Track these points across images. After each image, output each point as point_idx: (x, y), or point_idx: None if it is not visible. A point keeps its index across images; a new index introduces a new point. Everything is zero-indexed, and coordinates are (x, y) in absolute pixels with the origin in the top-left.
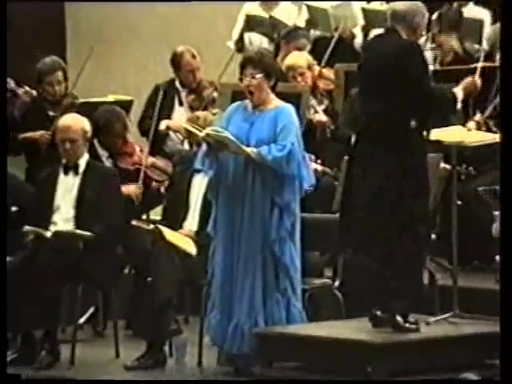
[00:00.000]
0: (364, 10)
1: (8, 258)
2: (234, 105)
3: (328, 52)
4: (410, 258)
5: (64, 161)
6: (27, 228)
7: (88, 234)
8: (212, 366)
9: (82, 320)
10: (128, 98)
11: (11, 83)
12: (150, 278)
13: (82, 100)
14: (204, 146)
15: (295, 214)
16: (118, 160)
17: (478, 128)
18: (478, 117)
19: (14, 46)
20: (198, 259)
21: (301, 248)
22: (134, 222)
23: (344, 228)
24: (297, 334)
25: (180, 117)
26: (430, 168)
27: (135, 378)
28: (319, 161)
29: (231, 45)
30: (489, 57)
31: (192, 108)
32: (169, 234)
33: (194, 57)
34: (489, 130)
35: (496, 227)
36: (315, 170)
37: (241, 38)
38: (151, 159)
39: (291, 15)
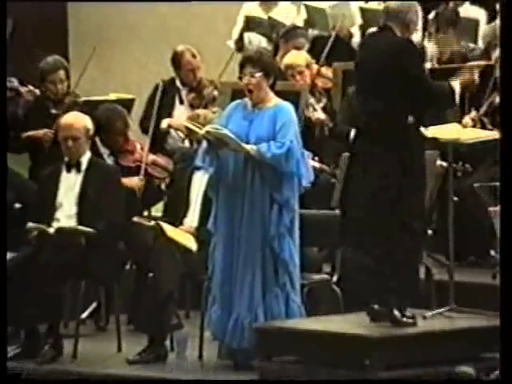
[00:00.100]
0: (362, 10)
1: (12, 255)
2: (234, 103)
3: (326, 51)
4: (407, 253)
5: (66, 158)
6: (30, 225)
7: (90, 230)
8: (212, 360)
9: (84, 315)
10: (129, 96)
11: (15, 82)
12: (151, 274)
13: (84, 98)
14: (204, 144)
15: (294, 210)
16: (120, 157)
17: (473, 125)
18: (473, 114)
19: (17, 45)
20: (198, 255)
21: (299, 244)
22: (135, 219)
23: (343, 225)
24: (296, 328)
25: (181, 115)
26: (427, 165)
27: (137, 372)
28: (317, 158)
29: (231, 44)
30: (484, 55)
31: (192, 106)
32: (170, 230)
33: (194, 56)
34: (484, 127)
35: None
36: (314, 168)
37: (240, 38)
38: (152, 156)
39: (290, 15)
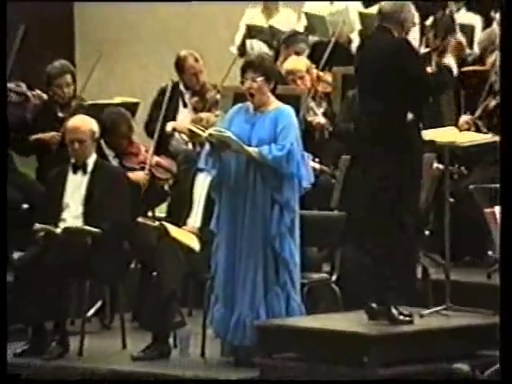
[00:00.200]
0: (361, 15)
1: (19, 254)
2: (236, 107)
3: (325, 56)
4: (405, 253)
5: (73, 160)
6: (38, 226)
7: (96, 230)
8: (214, 357)
9: (90, 313)
10: (134, 100)
11: (23, 87)
12: (155, 273)
13: (89, 102)
14: (207, 146)
15: (295, 211)
16: (124, 159)
17: (468, 128)
18: (468, 117)
19: (24, 48)
20: (201, 254)
21: (300, 244)
22: (140, 219)
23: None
24: (296, 326)
25: (184, 118)
26: (424, 167)
27: (141, 369)
28: (318, 160)
29: (234, 50)
30: (479, 60)
31: (196, 109)
32: (173, 230)
33: (196, 60)
34: (478, 130)
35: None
36: (314, 169)
37: (242, 44)
38: (156, 158)
39: (290, 22)
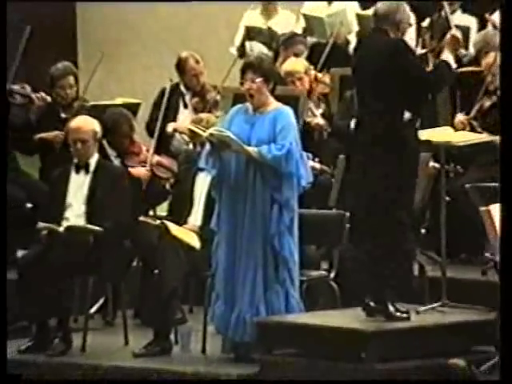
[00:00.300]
0: (358, 17)
1: (23, 252)
2: (236, 107)
3: (323, 57)
4: (402, 251)
5: (75, 160)
6: (41, 224)
7: (98, 228)
8: (215, 353)
9: (92, 310)
10: (135, 100)
11: (27, 89)
12: (156, 271)
13: (92, 103)
14: (208, 146)
15: (294, 209)
16: (126, 159)
17: (463, 128)
18: (462, 117)
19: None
20: (201, 252)
21: (299, 242)
22: (141, 218)
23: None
24: (295, 322)
25: (185, 118)
26: (420, 166)
27: (143, 364)
28: (316, 159)
29: (233, 51)
30: (475, 61)
31: (196, 110)
32: (174, 228)
33: (197, 62)
34: (473, 130)
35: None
36: (314, 168)
37: (242, 45)
38: (157, 157)
39: (289, 23)
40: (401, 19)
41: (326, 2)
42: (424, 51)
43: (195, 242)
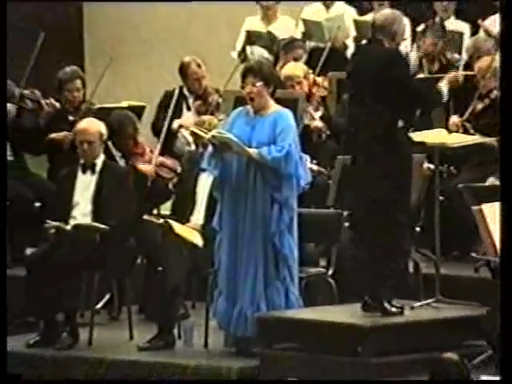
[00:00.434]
0: (356, 22)
1: (31, 250)
2: (237, 110)
3: (321, 61)
4: (399, 250)
5: (82, 161)
6: (49, 223)
7: (104, 227)
8: (217, 347)
9: (98, 306)
10: (140, 103)
11: (37, 94)
12: (160, 268)
13: (98, 105)
14: (210, 148)
15: (293, 209)
16: (130, 159)
17: (457, 130)
18: (456, 120)
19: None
20: (204, 250)
21: (298, 240)
22: (145, 217)
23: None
24: (294, 318)
25: (187, 120)
26: (415, 167)
27: (147, 358)
28: (315, 161)
29: (235, 55)
30: (468, 66)
31: (199, 112)
32: (177, 227)
33: (199, 66)
34: (466, 131)
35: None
36: (312, 170)
37: (243, 50)
38: (160, 158)
39: (289, 29)
40: (396, 31)
41: (324, 8)
42: (418, 55)
43: (198, 240)
